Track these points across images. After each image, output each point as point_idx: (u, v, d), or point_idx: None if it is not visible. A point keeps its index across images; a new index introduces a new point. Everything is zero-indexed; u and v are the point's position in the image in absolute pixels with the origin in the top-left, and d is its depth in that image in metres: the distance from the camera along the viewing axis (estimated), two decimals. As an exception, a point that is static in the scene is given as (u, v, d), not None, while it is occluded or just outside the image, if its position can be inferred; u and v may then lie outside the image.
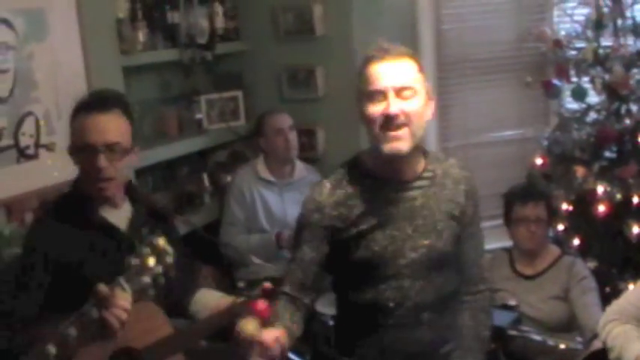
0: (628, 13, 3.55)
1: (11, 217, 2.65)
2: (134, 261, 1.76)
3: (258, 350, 1.83)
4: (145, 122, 3.47)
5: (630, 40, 3.55)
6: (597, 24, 3.56)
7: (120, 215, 2.06)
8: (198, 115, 3.76)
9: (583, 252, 3.44)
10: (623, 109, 3.58)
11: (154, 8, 3.45)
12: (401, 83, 1.90)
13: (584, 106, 3.71)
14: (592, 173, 3.48)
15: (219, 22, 3.80)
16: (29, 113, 2.72)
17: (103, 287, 1.74)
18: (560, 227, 3.52)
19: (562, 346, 2.67)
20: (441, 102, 3.90)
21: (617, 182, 3.42)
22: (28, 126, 2.72)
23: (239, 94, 3.88)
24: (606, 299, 2.67)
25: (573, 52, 3.68)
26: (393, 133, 1.89)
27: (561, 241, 3.47)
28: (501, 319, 2.64)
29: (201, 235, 2.58)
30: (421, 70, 1.96)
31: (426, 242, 1.97)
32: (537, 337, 2.69)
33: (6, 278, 2.02)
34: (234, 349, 1.91)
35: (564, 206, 3.50)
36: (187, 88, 3.80)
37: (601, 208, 3.37)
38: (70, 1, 2.87)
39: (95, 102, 2.02)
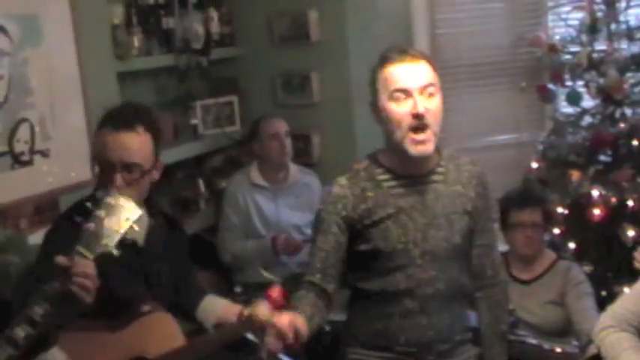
0: (622, 18, 3.57)
1: (6, 223, 2.64)
2: (89, 226, 1.70)
3: (272, 335, 1.83)
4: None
5: (624, 45, 3.56)
6: (591, 28, 3.57)
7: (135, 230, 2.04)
8: (194, 121, 3.76)
9: (578, 256, 3.44)
10: (617, 113, 3.59)
11: (149, 14, 3.45)
12: (425, 82, 1.97)
13: (578, 110, 3.73)
14: (587, 177, 3.49)
15: (215, 28, 3.80)
16: (24, 119, 2.71)
17: (61, 258, 1.69)
18: (556, 231, 3.52)
19: (558, 350, 2.68)
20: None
21: (612, 186, 3.43)
22: (23, 132, 2.71)
23: (234, 99, 3.88)
24: (602, 303, 2.67)
25: (568, 57, 3.69)
26: (420, 137, 1.96)
27: (557, 245, 3.48)
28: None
29: (200, 239, 2.58)
30: (436, 71, 2.03)
31: (438, 234, 2.03)
32: (533, 341, 2.70)
33: (25, 288, 1.93)
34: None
35: (560, 210, 3.51)
36: (182, 93, 3.79)
37: (596, 212, 3.38)
38: (64, 6, 2.87)
39: (121, 118, 2.00)
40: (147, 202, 2.08)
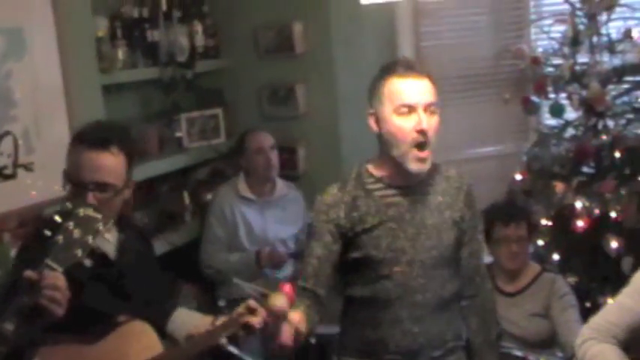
0: (603, 31, 3.60)
1: (-11, 237, 2.62)
2: (58, 238, 1.68)
3: (286, 328, 1.88)
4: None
5: (606, 57, 3.59)
6: (573, 41, 3.60)
7: (106, 242, 2.04)
8: (179, 133, 3.75)
9: (563, 267, 3.45)
10: (600, 125, 3.61)
11: (133, 27, 3.44)
12: (429, 100, 2.05)
13: (562, 122, 3.75)
14: (571, 189, 3.51)
15: (199, 40, 3.81)
16: (7, 132, 2.69)
17: (29, 273, 1.66)
18: (540, 243, 3.54)
19: (543, 361, 2.69)
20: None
21: (595, 197, 3.45)
22: (6, 145, 2.68)
23: (219, 111, 3.88)
24: (586, 314, 2.68)
25: (550, 69, 3.72)
26: (423, 155, 2.04)
27: (541, 256, 3.49)
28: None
29: (185, 252, 2.57)
30: (436, 89, 2.10)
31: (427, 243, 2.08)
32: (519, 353, 2.71)
33: None
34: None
35: (544, 222, 3.53)
36: (167, 106, 3.79)
37: (580, 224, 3.40)
38: (49, 19, 2.85)
39: (94, 137, 1.99)
40: (119, 216, 2.08)
